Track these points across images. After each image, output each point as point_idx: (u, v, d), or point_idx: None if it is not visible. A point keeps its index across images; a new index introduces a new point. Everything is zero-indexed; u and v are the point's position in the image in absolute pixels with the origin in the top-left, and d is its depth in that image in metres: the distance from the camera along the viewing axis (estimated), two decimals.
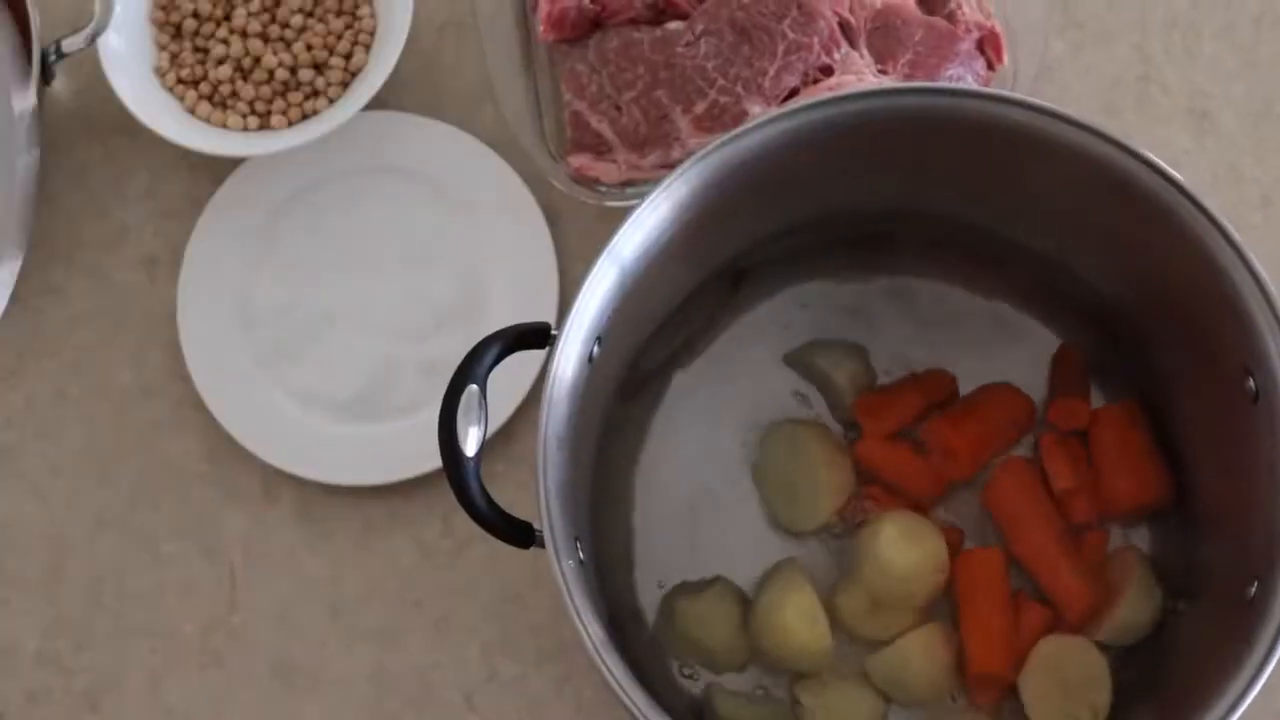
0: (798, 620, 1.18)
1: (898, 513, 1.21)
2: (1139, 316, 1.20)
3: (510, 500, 1.07)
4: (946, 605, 1.21)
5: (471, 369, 1.04)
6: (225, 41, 1.36)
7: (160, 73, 1.36)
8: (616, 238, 1.06)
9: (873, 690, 1.20)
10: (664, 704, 1.03)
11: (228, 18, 1.36)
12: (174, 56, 1.36)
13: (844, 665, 1.20)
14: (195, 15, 1.36)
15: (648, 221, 1.08)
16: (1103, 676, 1.18)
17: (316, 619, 1.28)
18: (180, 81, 1.35)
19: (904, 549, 1.18)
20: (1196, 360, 1.15)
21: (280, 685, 1.27)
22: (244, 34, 1.35)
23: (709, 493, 1.25)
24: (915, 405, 1.25)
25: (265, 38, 1.35)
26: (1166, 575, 1.20)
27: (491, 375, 1.06)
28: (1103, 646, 1.20)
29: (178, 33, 1.37)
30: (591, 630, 1.00)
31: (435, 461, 1.21)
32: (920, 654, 1.19)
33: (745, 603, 1.22)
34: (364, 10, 1.36)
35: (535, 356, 1.25)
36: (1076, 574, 1.20)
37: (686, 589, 1.22)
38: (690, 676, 1.21)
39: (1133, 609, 1.19)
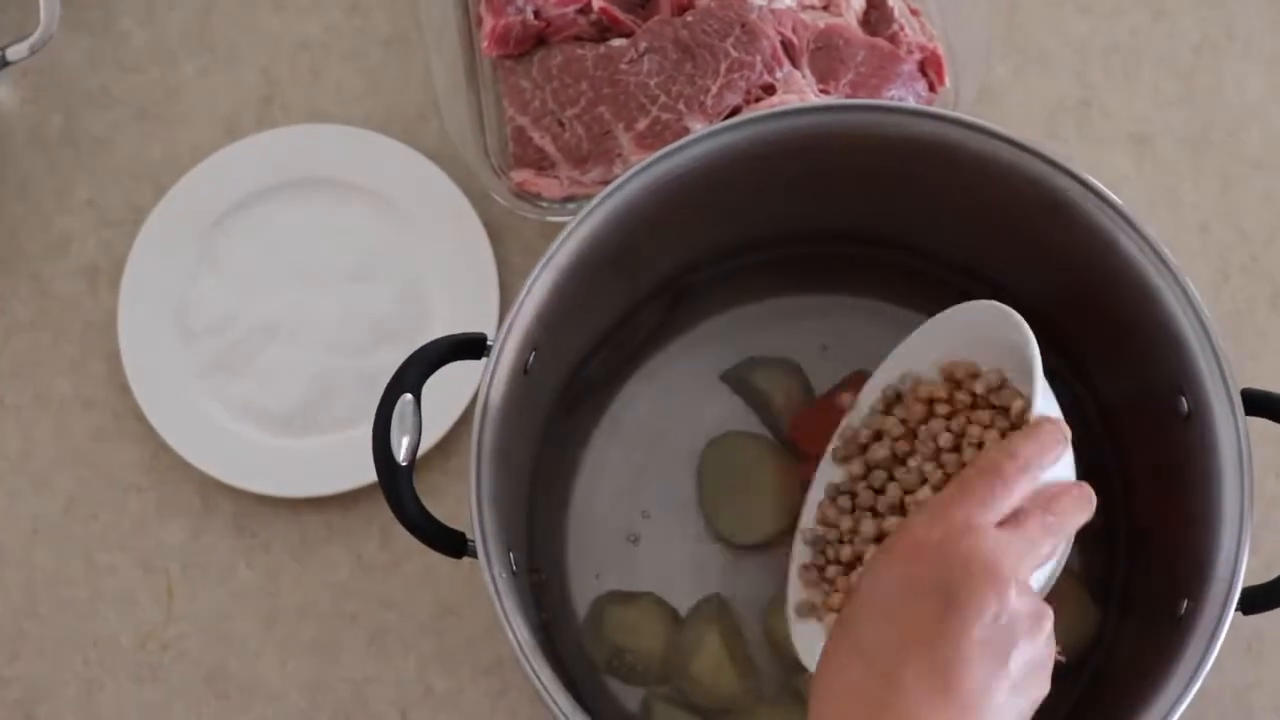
0: (703, 670, 1.19)
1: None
2: (1074, 337, 1.21)
3: (448, 513, 1.07)
4: None
5: (406, 378, 1.04)
6: None
7: None
8: (553, 248, 1.07)
9: (804, 708, 1.20)
10: (597, 714, 1.03)
11: None
12: None
13: (773, 688, 1.21)
14: None
15: (585, 233, 1.08)
16: None
17: (252, 631, 1.27)
18: None
19: None
20: (1130, 381, 1.16)
21: (215, 697, 1.27)
22: None
23: (649, 507, 1.25)
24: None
25: None
26: (1097, 594, 1.20)
27: (430, 389, 1.06)
28: None
29: None
30: (520, 634, 1.00)
31: (373, 475, 1.21)
32: None
33: (676, 621, 1.22)
34: None
35: (474, 373, 1.25)
36: None
37: (619, 596, 1.22)
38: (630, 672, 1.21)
39: (1069, 630, 1.19)
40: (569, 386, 1.23)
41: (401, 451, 1.03)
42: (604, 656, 1.21)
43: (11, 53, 1.30)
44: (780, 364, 1.27)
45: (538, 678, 1.00)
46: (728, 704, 1.19)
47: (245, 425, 1.30)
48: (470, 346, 1.07)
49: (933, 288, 1.26)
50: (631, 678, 1.21)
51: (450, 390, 1.24)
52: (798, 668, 1.20)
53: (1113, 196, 1.08)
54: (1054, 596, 1.18)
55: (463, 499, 1.16)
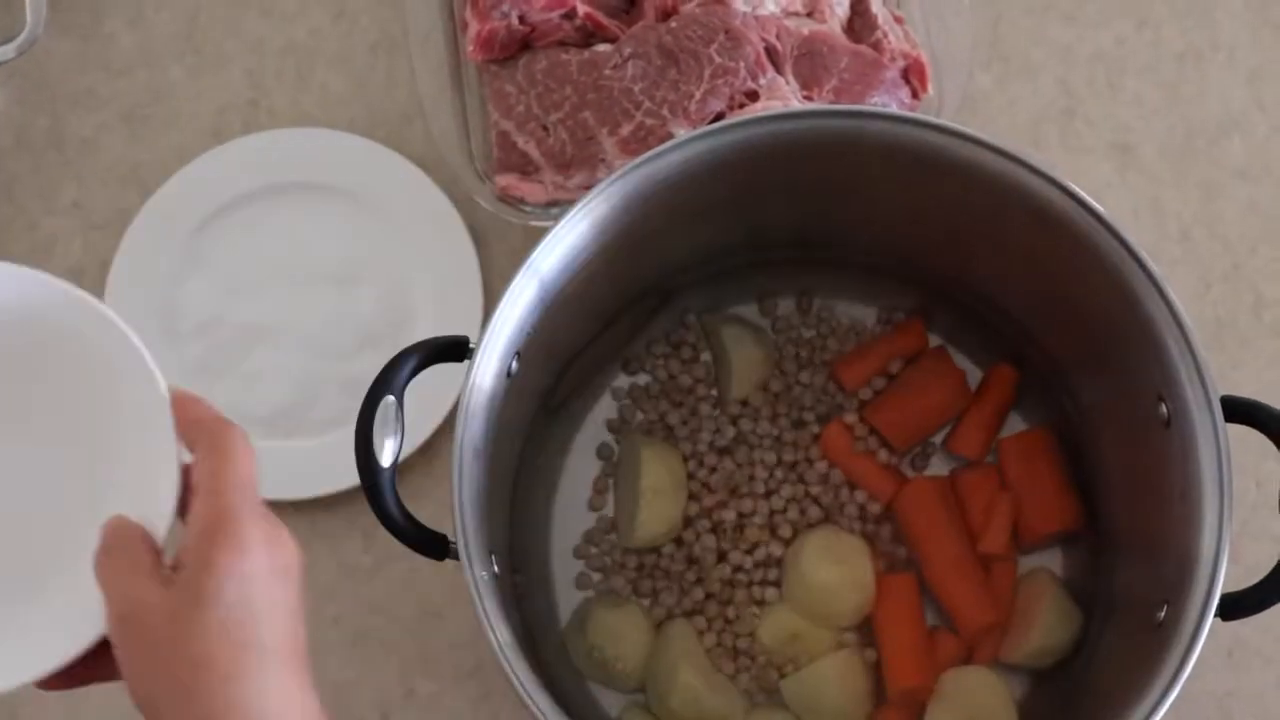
0: (681, 704, 1.19)
1: (823, 530, 1.22)
2: (1056, 344, 1.22)
3: (430, 517, 1.07)
4: (866, 635, 1.22)
5: (389, 380, 1.04)
6: None
7: None
8: (535, 253, 1.07)
9: (787, 715, 1.20)
10: (577, 718, 1.03)
11: None
12: None
13: (761, 694, 1.22)
14: None
15: (567, 238, 1.08)
16: (1007, 706, 1.19)
17: None
18: None
19: (826, 566, 1.20)
20: (1112, 387, 1.17)
21: None
22: None
23: None
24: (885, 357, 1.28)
25: None
26: (1079, 598, 1.21)
27: (414, 393, 1.06)
28: (1018, 669, 1.21)
29: None
30: (500, 635, 1.00)
31: (356, 478, 1.21)
32: (836, 678, 1.20)
33: (658, 629, 1.22)
34: None
35: (457, 376, 1.25)
36: (972, 596, 1.21)
37: (605, 600, 1.23)
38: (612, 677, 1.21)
39: (1051, 633, 1.20)
40: (552, 391, 1.23)
41: (384, 454, 1.03)
42: (586, 660, 1.21)
43: None
44: (752, 330, 1.28)
45: (517, 678, 1.00)
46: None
47: None
48: (453, 349, 1.07)
49: (918, 292, 1.28)
50: (613, 682, 1.22)
51: (433, 394, 1.24)
52: (778, 670, 1.21)
53: (1095, 205, 1.08)
54: (1037, 599, 1.20)
55: (445, 503, 1.17)
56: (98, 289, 1.33)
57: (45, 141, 1.38)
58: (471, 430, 1.05)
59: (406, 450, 1.20)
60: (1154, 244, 1.31)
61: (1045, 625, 1.20)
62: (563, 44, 1.29)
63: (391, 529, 1.04)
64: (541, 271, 1.08)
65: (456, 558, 1.03)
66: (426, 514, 1.07)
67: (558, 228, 1.07)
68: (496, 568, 1.07)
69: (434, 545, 1.05)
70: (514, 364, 1.09)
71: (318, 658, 1.25)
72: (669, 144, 1.09)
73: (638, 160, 1.08)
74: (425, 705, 1.26)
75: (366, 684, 1.27)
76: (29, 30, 1.30)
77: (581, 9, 1.28)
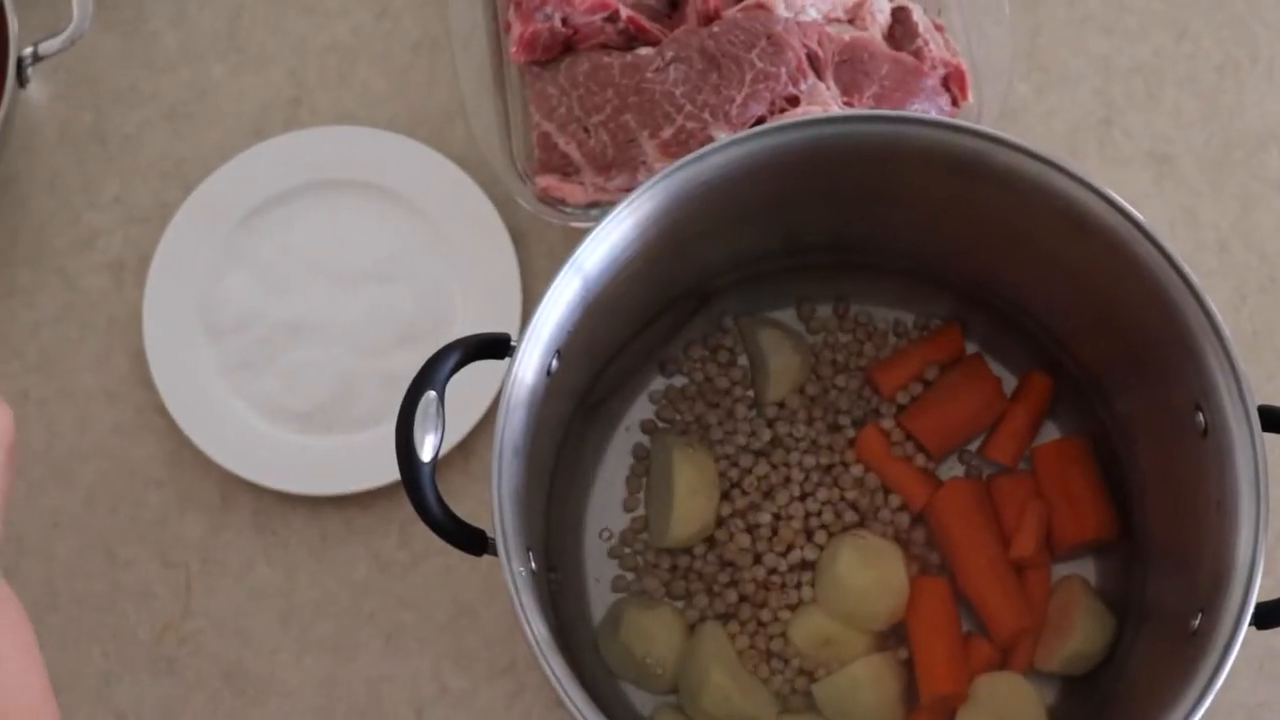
0: (712, 704, 1.19)
1: (857, 533, 1.23)
2: (1092, 352, 1.22)
3: (467, 514, 1.08)
4: (899, 639, 1.22)
5: (430, 376, 1.05)
6: None
7: None
8: (579, 251, 1.07)
9: (819, 719, 1.21)
10: (611, 717, 1.04)
11: None
12: None
13: (793, 697, 1.22)
14: None
15: (611, 237, 1.09)
16: (1038, 713, 1.20)
17: (269, 627, 1.28)
18: None
19: (859, 569, 1.20)
20: (1148, 395, 1.17)
21: (231, 692, 1.27)
22: None
23: None
24: (922, 362, 1.28)
25: None
26: (1112, 606, 1.21)
27: (452, 390, 1.06)
28: (1050, 676, 1.21)
29: None
30: (538, 633, 1.01)
31: (393, 474, 1.22)
32: (868, 682, 1.20)
33: (692, 631, 1.23)
34: None
35: (495, 374, 1.26)
36: (1005, 602, 1.21)
37: (638, 601, 1.23)
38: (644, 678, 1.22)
39: (1085, 640, 1.20)
40: (591, 389, 1.24)
41: (425, 449, 1.03)
42: (619, 660, 1.22)
43: (44, 48, 1.31)
44: (790, 334, 1.28)
45: (554, 674, 1.00)
46: None
47: (267, 423, 1.30)
48: (495, 346, 1.07)
49: (954, 299, 1.28)
50: (645, 683, 1.22)
51: (472, 391, 1.25)
52: (810, 673, 1.21)
53: (1135, 212, 1.08)
54: (1071, 606, 1.20)
55: (482, 500, 1.17)
56: (138, 283, 1.34)
57: (88, 136, 1.39)
58: (512, 427, 1.06)
59: (445, 447, 1.21)
60: (1190, 255, 1.32)
61: (1079, 632, 1.20)
62: (605, 47, 1.30)
63: (431, 524, 1.05)
64: (585, 269, 1.08)
65: (494, 553, 1.03)
66: (463, 511, 1.08)
67: (602, 225, 1.08)
68: (534, 565, 1.07)
69: (472, 541, 1.06)
70: (554, 362, 1.09)
71: (352, 652, 1.27)
72: (712, 146, 1.09)
73: (681, 161, 1.09)
74: (458, 701, 1.27)
75: (400, 679, 1.27)
76: (75, 25, 1.31)
77: (624, 12, 1.29)
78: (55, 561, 1.30)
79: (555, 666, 1.00)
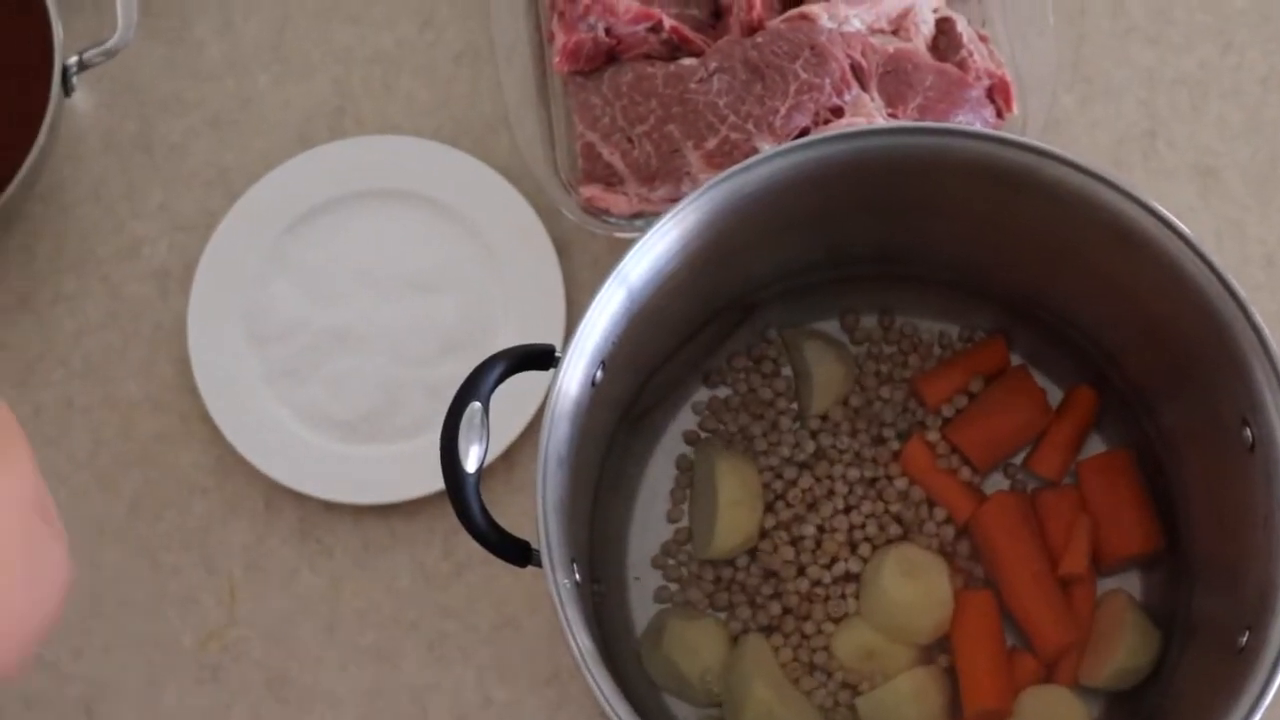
0: (757, 719, 1.19)
1: (902, 546, 1.22)
2: (1138, 366, 1.22)
3: (510, 525, 1.07)
4: (943, 652, 1.22)
5: (475, 387, 1.05)
6: None
7: None
8: (624, 262, 1.07)
9: None
10: None
11: None
12: None
13: (836, 710, 1.22)
14: None
15: (656, 247, 1.09)
16: None
17: (313, 635, 1.29)
18: None
19: (904, 582, 1.20)
20: (1194, 410, 1.16)
21: (274, 700, 1.28)
22: None
23: None
24: (967, 375, 1.27)
25: None
26: (1158, 621, 1.21)
27: (496, 401, 1.06)
28: (1095, 691, 1.21)
29: None
30: (581, 642, 1.01)
31: (437, 484, 1.22)
32: (912, 696, 1.19)
33: (735, 643, 1.23)
34: None
35: (539, 385, 1.26)
36: (1050, 615, 1.21)
37: (682, 612, 1.23)
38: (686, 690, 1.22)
39: (1131, 655, 1.20)
40: (635, 400, 1.24)
41: (469, 460, 1.03)
42: (662, 672, 1.22)
43: (89, 57, 1.31)
44: (834, 345, 1.28)
45: (599, 688, 1.00)
46: None
47: (311, 431, 1.31)
48: (539, 357, 1.08)
49: (999, 311, 1.28)
50: (688, 695, 1.22)
51: (516, 402, 1.25)
52: (853, 687, 1.21)
53: (1181, 226, 1.08)
54: (1117, 621, 1.20)
55: (525, 511, 1.18)
56: (183, 291, 1.34)
57: (133, 145, 1.40)
58: (556, 438, 1.06)
59: (488, 457, 1.21)
60: (1236, 268, 1.30)
61: (1126, 647, 1.19)
62: (648, 57, 1.30)
63: (475, 535, 1.05)
64: (630, 280, 1.08)
65: (539, 565, 1.03)
66: (506, 521, 1.08)
67: (647, 236, 1.08)
68: (577, 576, 1.07)
69: (517, 552, 1.06)
70: (599, 373, 1.09)
71: (395, 662, 1.27)
72: (756, 158, 1.09)
73: (726, 173, 1.09)
74: (502, 712, 1.27)
75: (443, 690, 1.27)
76: (120, 34, 1.31)
77: (668, 22, 1.29)
78: (100, 569, 1.30)
79: (601, 681, 1.00)
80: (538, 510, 1.04)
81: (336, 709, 1.27)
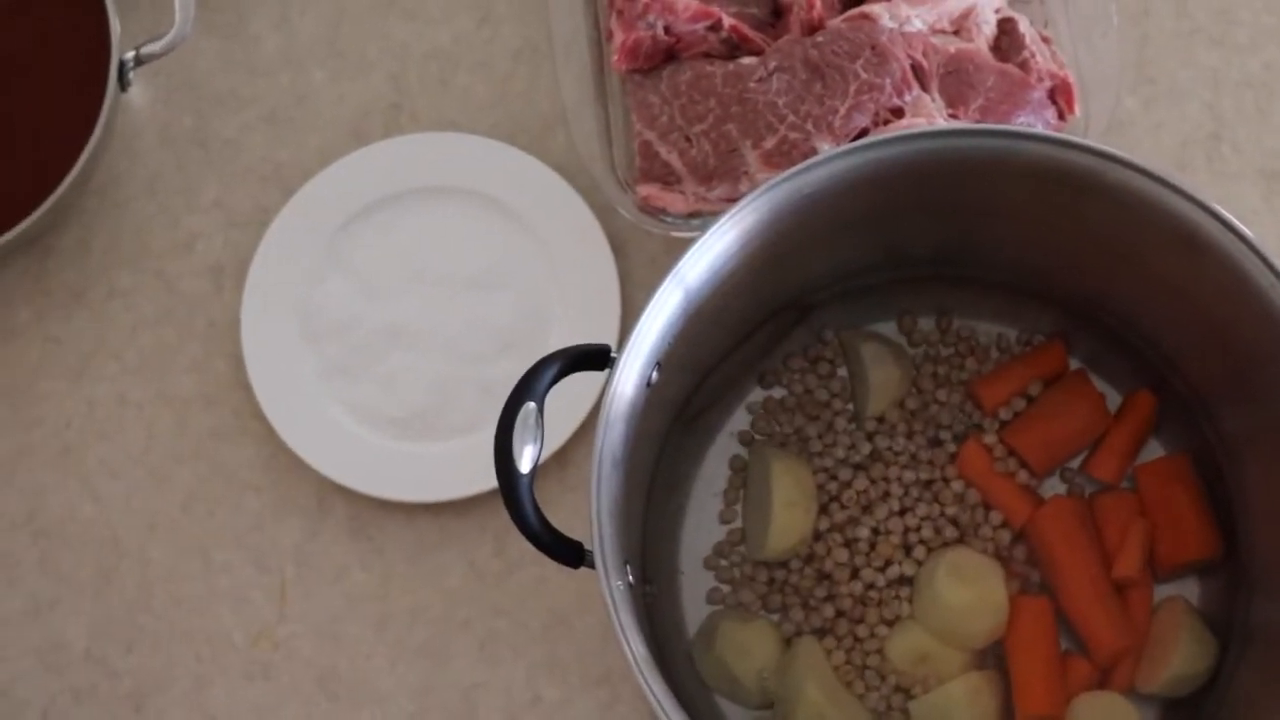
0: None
1: (957, 550, 1.21)
2: (1199, 370, 1.21)
3: (562, 524, 1.07)
4: (996, 657, 1.21)
5: (530, 386, 1.04)
6: None
7: None
8: (682, 262, 1.07)
9: None
10: None
11: None
12: None
13: (889, 715, 1.21)
14: None
15: (714, 248, 1.08)
16: None
17: (364, 633, 1.28)
18: None
19: (959, 586, 1.19)
20: (1256, 416, 1.15)
21: (325, 698, 1.27)
22: None
23: None
24: (1025, 378, 1.26)
25: None
26: (1215, 628, 1.20)
27: (549, 400, 1.06)
28: (1149, 698, 1.20)
29: None
30: (635, 647, 1.00)
31: (490, 482, 1.22)
32: (965, 701, 1.19)
33: (788, 646, 1.22)
34: None
35: (592, 387, 1.26)
36: (1106, 620, 1.20)
37: (734, 614, 1.22)
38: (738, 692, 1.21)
39: (1187, 662, 1.19)
40: (689, 401, 1.23)
41: (523, 460, 1.03)
42: (713, 674, 1.21)
43: (145, 52, 1.31)
44: (891, 347, 1.27)
45: (653, 694, 1.00)
46: None
47: (364, 428, 1.30)
48: (595, 358, 1.07)
49: (1058, 314, 1.27)
50: (739, 697, 1.21)
51: (569, 402, 1.25)
52: (906, 691, 1.20)
53: (1246, 230, 1.07)
54: (1173, 627, 1.18)
55: (577, 510, 1.17)
56: (237, 287, 1.34)
57: (189, 140, 1.40)
58: (611, 439, 1.05)
59: (542, 456, 1.20)
60: None
61: (1182, 654, 1.18)
62: (707, 56, 1.29)
63: (529, 536, 1.04)
64: (687, 280, 1.08)
65: (593, 566, 1.03)
66: (559, 520, 1.08)
67: (706, 237, 1.07)
68: (630, 578, 1.07)
69: (570, 553, 1.06)
70: (654, 374, 1.09)
71: (446, 660, 1.27)
72: (817, 158, 1.09)
73: (786, 173, 1.08)
74: (552, 711, 1.26)
75: (494, 688, 1.27)
76: (177, 29, 1.31)
77: (727, 21, 1.28)
78: (151, 564, 1.30)
79: (656, 688, 1.00)
80: (591, 513, 1.03)
81: (386, 706, 1.27)
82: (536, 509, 1.04)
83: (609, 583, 1.02)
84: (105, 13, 1.30)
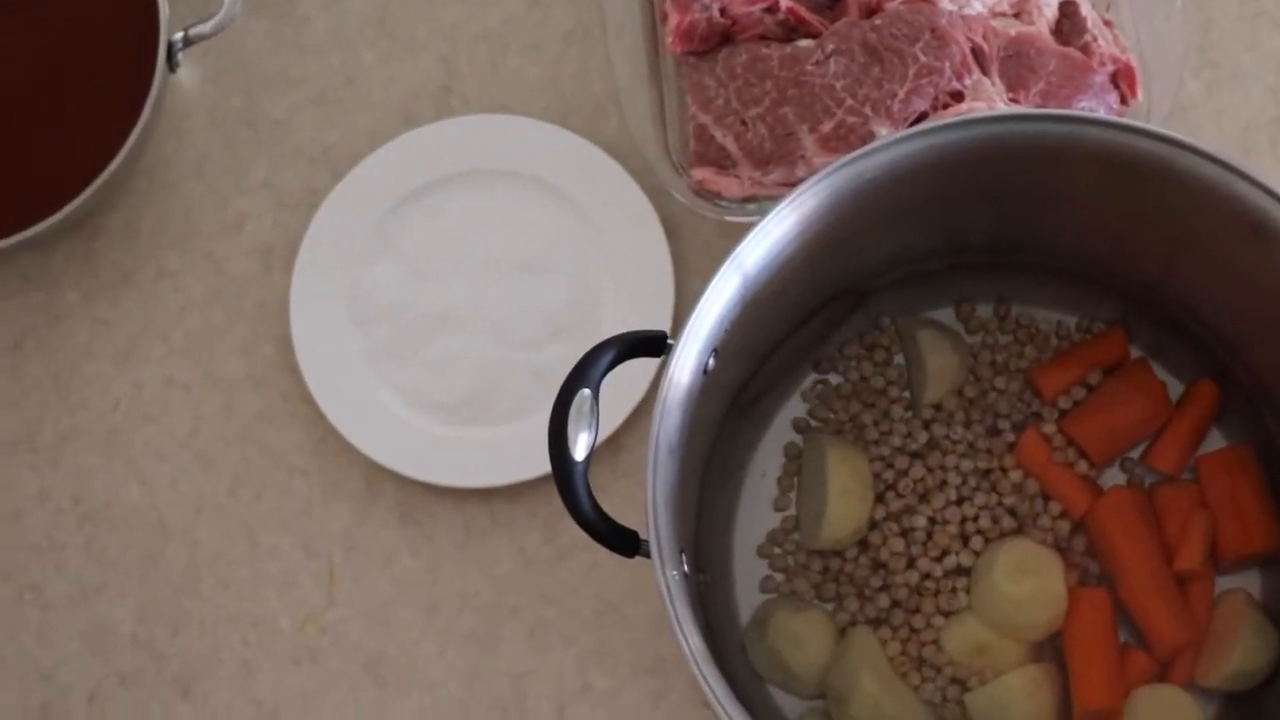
0: (861, 711, 1.17)
1: (1015, 540, 1.20)
2: (1263, 360, 1.19)
3: (614, 509, 1.06)
4: (1054, 649, 1.20)
5: (585, 373, 1.03)
6: None
7: None
8: (741, 247, 1.05)
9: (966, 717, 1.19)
10: None
11: None
12: None
13: (944, 705, 1.20)
14: None
15: (773, 233, 1.07)
16: None
17: (412, 619, 1.27)
18: None
19: (1017, 577, 1.18)
20: None
21: (372, 683, 1.27)
22: None
23: None
24: (1085, 366, 1.25)
25: None
26: (1277, 621, 1.18)
27: (601, 385, 1.05)
28: (1209, 692, 1.19)
29: None
30: (693, 644, 0.99)
31: (540, 467, 1.21)
32: (1023, 693, 1.17)
33: (841, 635, 1.21)
34: None
35: (647, 370, 1.24)
36: (1167, 613, 1.19)
37: (788, 603, 1.21)
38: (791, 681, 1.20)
39: (1250, 656, 1.17)
40: (745, 387, 1.22)
41: (578, 448, 1.01)
42: (766, 663, 1.20)
43: (195, 32, 1.31)
44: (949, 334, 1.26)
45: (712, 690, 0.99)
46: None
47: (413, 413, 1.29)
48: (651, 344, 1.06)
49: (1119, 301, 1.26)
50: (792, 686, 1.20)
51: (622, 387, 1.24)
52: (963, 683, 1.19)
53: None
54: (1235, 620, 1.17)
55: (629, 497, 1.16)
56: (286, 269, 1.33)
57: (238, 121, 1.39)
58: (667, 427, 1.04)
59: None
60: None
61: (1244, 648, 1.17)
62: (764, 38, 1.27)
63: (584, 525, 1.03)
64: (745, 266, 1.06)
65: (648, 555, 1.02)
66: (612, 506, 1.06)
67: (765, 222, 1.06)
68: (685, 567, 1.05)
69: (625, 542, 1.04)
70: (711, 361, 1.07)
71: (495, 646, 1.26)
72: (879, 143, 1.07)
73: (847, 158, 1.06)
74: (602, 700, 1.25)
75: (543, 676, 1.26)
76: (226, 10, 1.31)
77: (784, 3, 1.26)
78: (198, 547, 1.30)
79: (713, 682, 0.99)
80: (647, 502, 1.02)
81: (434, 693, 1.26)
82: (591, 497, 1.03)
83: (665, 573, 1.00)
84: None
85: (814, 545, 1.22)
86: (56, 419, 1.33)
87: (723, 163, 1.25)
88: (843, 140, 1.22)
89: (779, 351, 1.23)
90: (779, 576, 1.23)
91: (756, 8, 1.26)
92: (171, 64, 1.30)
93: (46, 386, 1.33)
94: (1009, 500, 1.22)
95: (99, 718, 1.27)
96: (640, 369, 1.21)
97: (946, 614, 1.20)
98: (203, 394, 1.33)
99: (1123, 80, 1.26)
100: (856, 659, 1.18)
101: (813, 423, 1.26)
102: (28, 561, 1.30)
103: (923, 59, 1.23)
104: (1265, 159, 1.34)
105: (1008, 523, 1.22)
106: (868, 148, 1.07)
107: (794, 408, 1.27)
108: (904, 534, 1.22)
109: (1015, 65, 1.25)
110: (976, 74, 1.23)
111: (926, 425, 1.24)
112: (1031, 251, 1.24)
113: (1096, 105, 1.24)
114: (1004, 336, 1.26)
